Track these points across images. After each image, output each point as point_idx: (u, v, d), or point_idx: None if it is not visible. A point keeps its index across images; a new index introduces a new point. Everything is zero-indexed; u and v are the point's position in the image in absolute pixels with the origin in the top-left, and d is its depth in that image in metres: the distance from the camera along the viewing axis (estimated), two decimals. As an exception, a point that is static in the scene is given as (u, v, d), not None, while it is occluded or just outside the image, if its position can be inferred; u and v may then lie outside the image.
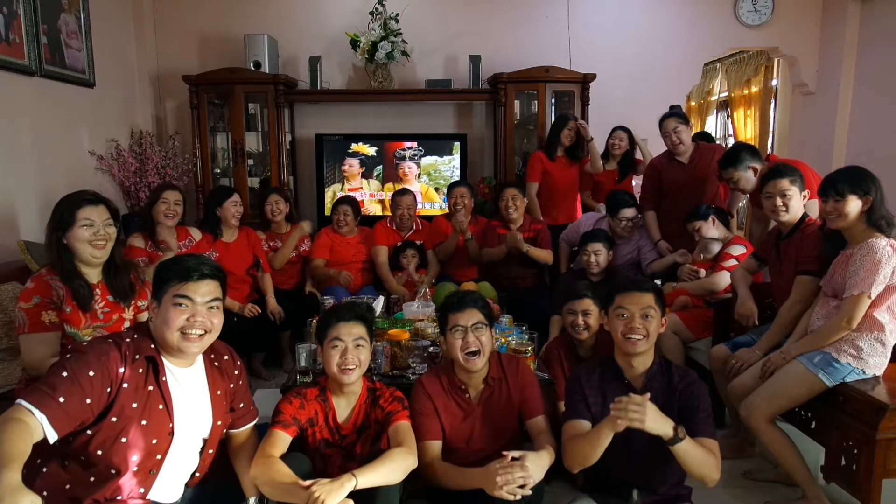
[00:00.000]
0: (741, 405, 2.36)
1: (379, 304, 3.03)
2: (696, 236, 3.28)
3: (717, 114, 7.50)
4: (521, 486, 1.74)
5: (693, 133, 3.87)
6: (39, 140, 3.43)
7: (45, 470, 1.54)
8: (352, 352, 1.90)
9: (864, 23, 4.72)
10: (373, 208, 4.72)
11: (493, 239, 3.81)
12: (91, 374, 1.49)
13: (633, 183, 4.30)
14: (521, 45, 4.84)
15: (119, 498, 1.58)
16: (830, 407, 2.23)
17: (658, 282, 3.43)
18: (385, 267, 3.86)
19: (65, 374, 1.47)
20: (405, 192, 4.04)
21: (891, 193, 2.27)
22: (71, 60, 3.69)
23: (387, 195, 4.58)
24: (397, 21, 4.55)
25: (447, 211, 4.12)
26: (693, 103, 7.48)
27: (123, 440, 1.55)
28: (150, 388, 1.60)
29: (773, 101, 6.11)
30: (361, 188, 4.71)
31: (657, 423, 1.67)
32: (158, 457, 1.63)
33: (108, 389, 1.53)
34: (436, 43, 4.87)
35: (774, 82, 6.07)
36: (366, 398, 1.99)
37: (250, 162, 4.66)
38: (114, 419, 1.54)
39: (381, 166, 4.70)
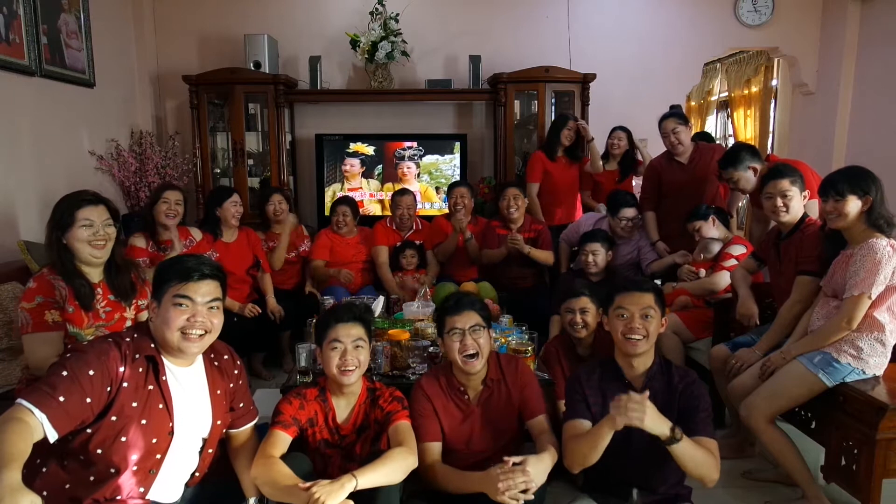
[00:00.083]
0: (741, 405, 2.35)
1: (379, 305, 3.04)
2: (697, 236, 3.28)
3: (717, 114, 7.50)
4: (524, 491, 1.73)
5: (693, 133, 3.87)
6: (39, 140, 3.43)
7: (44, 470, 1.54)
8: (351, 353, 1.90)
9: (864, 23, 4.72)
10: (372, 208, 4.72)
11: (492, 239, 3.81)
12: (91, 373, 1.49)
13: (634, 183, 4.30)
14: (521, 45, 4.84)
15: (119, 497, 1.58)
16: (830, 407, 2.23)
17: (658, 282, 3.43)
18: (385, 267, 3.86)
19: (65, 373, 1.47)
20: (405, 192, 4.04)
21: (891, 193, 2.27)
22: (71, 60, 3.69)
23: (386, 195, 4.58)
24: (397, 21, 4.55)
25: (446, 211, 4.12)
26: (693, 103, 7.48)
27: (123, 439, 1.55)
28: (150, 387, 1.60)
29: (773, 101, 6.11)
30: (361, 188, 4.72)
31: (655, 422, 1.67)
32: (158, 456, 1.63)
33: (108, 389, 1.53)
34: (436, 43, 4.87)
35: (774, 82, 6.07)
36: (365, 398, 1.99)
37: (250, 162, 4.66)
38: (113, 418, 1.54)
39: (381, 166, 4.70)
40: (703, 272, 3.19)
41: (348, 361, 1.89)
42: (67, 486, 1.55)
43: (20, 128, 3.28)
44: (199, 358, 1.74)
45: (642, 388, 1.84)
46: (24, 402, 1.40)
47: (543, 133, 4.46)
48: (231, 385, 1.81)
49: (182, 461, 1.71)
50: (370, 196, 4.73)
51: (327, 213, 4.29)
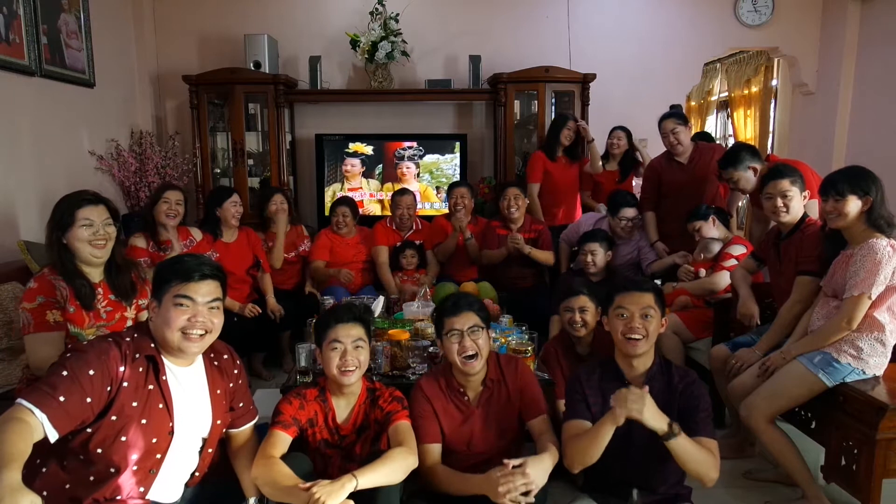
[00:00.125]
0: (741, 405, 2.35)
1: (379, 304, 3.04)
2: (697, 236, 3.28)
3: (717, 114, 7.50)
4: (526, 493, 1.73)
5: (693, 133, 3.87)
6: (39, 140, 3.43)
7: (44, 470, 1.54)
8: (351, 353, 1.90)
9: (864, 23, 4.72)
10: (372, 208, 4.72)
11: (492, 239, 3.81)
12: (91, 372, 1.49)
13: (634, 183, 4.30)
14: (521, 45, 4.84)
15: (119, 497, 1.58)
16: (830, 407, 2.23)
17: (658, 282, 3.43)
18: (385, 267, 3.86)
19: (65, 373, 1.47)
20: (405, 191, 4.04)
21: (891, 193, 2.27)
22: (71, 60, 3.69)
23: (386, 195, 4.58)
24: (397, 21, 4.55)
25: (446, 211, 4.11)
26: (693, 103, 7.49)
27: (123, 439, 1.56)
28: (151, 387, 1.61)
29: (773, 101, 6.11)
30: (361, 188, 4.72)
31: (654, 415, 1.68)
32: (158, 456, 1.63)
33: (109, 388, 1.53)
34: (436, 43, 4.87)
35: (774, 82, 6.07)
36: (365, 398, 1.99)
37: (250, 162, 4.66)
38: (114, 418, 1.54)
39: (381, 166, 4.70)
40: (702, 272, 3.19)
41: (348, 362, 1.89)
42: (67, 486, 1.55)
43: (20, 128, 3.28)
44: (199, 357, 1.74)
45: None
46: (25, 402, 1.40)
47: (543, 133, 4.46)
48: (231, 385, 1.81)
49: (182, 461, 1.71)
50: (370, 196, 4.73)
51: (327, 213, 4.29)
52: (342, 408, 1.97)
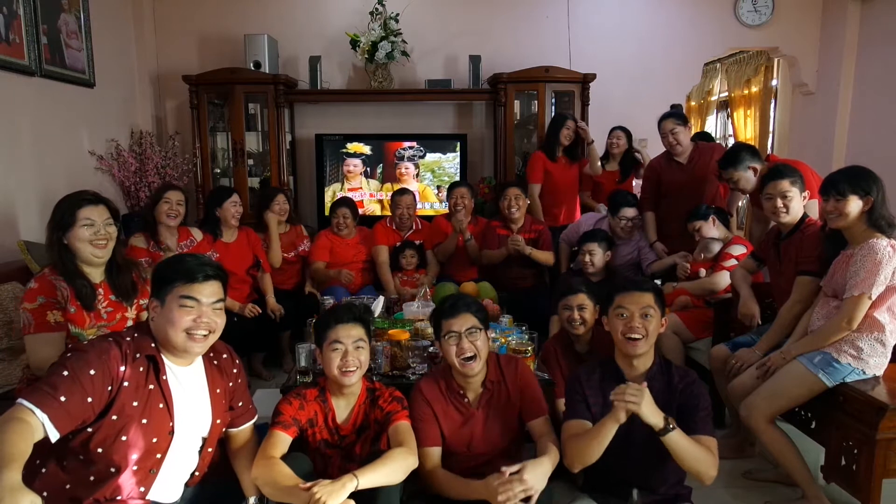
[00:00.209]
0: (741, 405, 2.36)
1: (379, 304, 3.03)
2: (697, 236, 3.28)
3: (717, 114, 7.51)
4: (527, 500, 1.73)
5: (693, 133, 3.87)
6: (39, 140, 3.43)
7: (44, 470, 1.54)
8: (352, 354, 1.90)
9: (864, 23, 4.73)
10: (372, 208, 4.72)
11: (492, 239, 3.81)
12: (92, 372, 1.49)
13: (634, 183, 4.31)
14: (521, 45, 4.84)
15: (119, 497, 1.58)
16: (830, 407, 2.23)
17: (658, 282, 3.43)
18: (385, 267, 3.86)
19: (65, 373, 1.47)
20: (405, 191, 4.04)
21: (891, 193, 2.27)
22: (71, 60, 3.69)
23: (386, 195, 4.58)
24: (397, 21, 4.55)
25: (445, 211, 4.11)
26: (693, 103, 7.49)
27: (124, 438, 1.55)
28: (151, 386, 1.60)
29: (773, 101, 6.11)
30: (361, 188, 4.72)
31: (651, 410, 1.69)
32: (158, 455, 1.63)
33: (109, 388, 1.53)
34: (436, 43, 4.87)
35: (774, 82, 6.07)
36: (365, 398, 1.99)
37: (250, 162, 4.66)
38: (114, 417, 1.54)
39: (381, 166, 4.70)
40: (702, 272, 3.19)
41: (349, 362, 1.88)
42: (67, 486, 1.55)
43: (20, 128, 3.28)
44: (199, 357, 1.74)
45: (642, 388, 1.84)
46: (25, 402, 1.40)
47: (543, 133, 4.46)
48: (230, 384, 1.81)
49: (182, 461, 1.71)
50: (370, 196, 4.73)
51: (327, 213, 4.30)
52: (342, 408, 1.97)
